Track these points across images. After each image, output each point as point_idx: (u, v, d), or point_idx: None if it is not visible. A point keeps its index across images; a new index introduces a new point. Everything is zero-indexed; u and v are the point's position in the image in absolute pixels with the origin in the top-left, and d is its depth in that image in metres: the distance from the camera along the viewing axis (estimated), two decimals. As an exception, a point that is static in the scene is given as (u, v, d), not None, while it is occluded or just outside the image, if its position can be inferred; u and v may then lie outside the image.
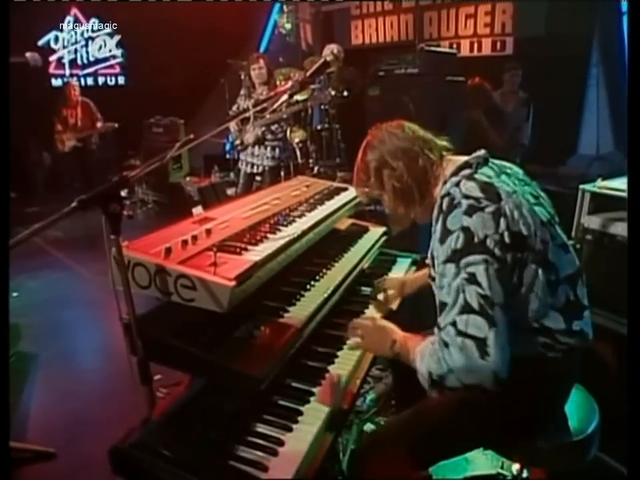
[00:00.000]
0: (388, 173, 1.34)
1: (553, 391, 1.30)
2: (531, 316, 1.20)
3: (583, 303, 1.27)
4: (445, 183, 1.28)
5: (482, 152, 1.33)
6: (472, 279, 1.10)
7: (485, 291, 1.08)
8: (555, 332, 1.21)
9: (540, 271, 1.17)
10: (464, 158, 1.32)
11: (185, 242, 1.37)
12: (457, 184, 1.21)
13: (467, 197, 1.17)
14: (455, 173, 1.27)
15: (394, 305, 1.76)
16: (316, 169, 5.35)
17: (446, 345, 1.11)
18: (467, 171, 1.25)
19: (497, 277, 1.10)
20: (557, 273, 1.21)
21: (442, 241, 1.17)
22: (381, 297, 1.76)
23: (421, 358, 1.18)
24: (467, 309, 1.09)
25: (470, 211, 1.14)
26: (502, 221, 1.13)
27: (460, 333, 1.09)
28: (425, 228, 1.39)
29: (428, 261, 1.35)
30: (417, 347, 1.22)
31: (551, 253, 1.20)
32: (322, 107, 5.51)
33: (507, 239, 1.12)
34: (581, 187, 2.39)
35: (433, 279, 1.27)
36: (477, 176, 1.23)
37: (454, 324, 1.10)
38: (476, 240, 1.11)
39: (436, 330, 1.17)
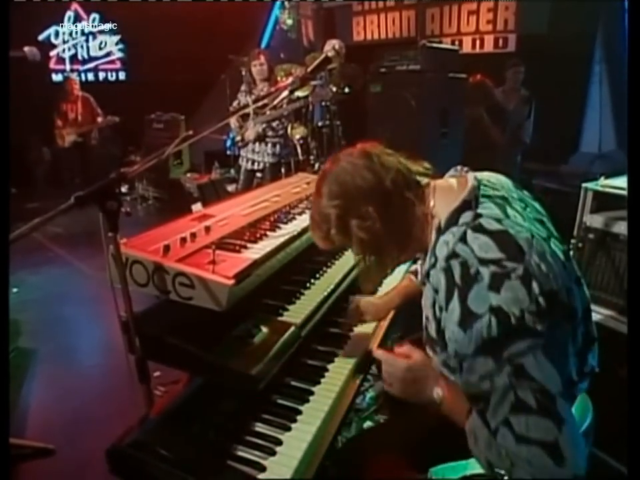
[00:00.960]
0: (355, 222, 1.05)
1: None
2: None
3: (594, 334, 1.09)
4: (439, 230, 1.01)
5: (470, 176, 1.07)
6: (521, 373, 0.86)
7: (541, 384, 0.86)
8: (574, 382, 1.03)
9: (567, 324, 0.97)
10: (450, 185, 1.08)
11: (183, 239, 1.36)
12: (463, 239, 0.95)
13: (484, 261, 0.90)
14: (453, 221, 0.99)
15: (377, 337, 1.56)
16: (317, 165, 5.33)
17: (504, 447, 0.90)
18: (468, 215, 0.98)
19: (548, 359, 0.87)
20: (577, 316, 1.00)
21: (464, 325, 0.90)
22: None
23: (474, 442, 0.97)
24: (523, 409, 0.86)
25: (496, 284, 0.88)
26: (534, 284, 0.88)
27: (521, 439, 0.87)
28: None
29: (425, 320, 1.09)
30: (466, 424, 0.99)
31: (571, 297, 0.98)
32: (323, 103, 5.48)
33: (542, 304, 0.88)
34: (584, 185, 2.37)
35: (433, 349, 1.05)
36: (484, 222, 0.96)
37: (509, 425, 0.88)
38: (514, 322, 0.86)
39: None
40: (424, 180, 1.11)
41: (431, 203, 1.06)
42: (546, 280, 0.90)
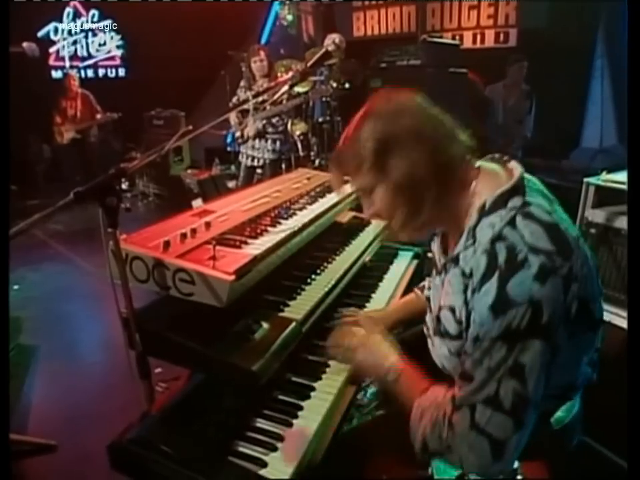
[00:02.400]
0: (397, 159, 0.95)
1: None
2: (563, 384, 1.01)
3: (598, 345, 1.07)
4: (482, 211, 0.94)
5: (514, 164, 1.02)
6: (517, 371, 0.85)
7: (526, 390, 0.86)
8: (575, 388, 1.07)
9: (590, 334, 0.97)
10: (494, 169, 1.02)
11: (183, 235, 1.35)
12: (512, 223, 0.89)
13: (535, 250, 0.85)
14: (500, 204, 0.93)
15: None
16: (317, 161, 5.33)
17: (452, 428, 0.91)
18: (517, 201, 0.92)
19: (547, 369, 0.87)
20: (599, 327, 1.00)
21: (496, 309, 0.86)
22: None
23: (419, 418, 0.98)
24: (494, 404, 0.87)
25: (543, 276, 0.83)
26: (573, 287, 0.86)
27: (476, 427, 0.88)
28: None
29: (427, 292, 1.10)
30: (417, 399, 1.01)
31: (598, 308, 0.97)
32: (323, 99, 5.47)
33: (573, 311, 0.87)
34: (585, 180, 2.37)
35: (441, 338, 1.04)
36: (534, 210, 0.91)
37: (473, 410, 0.89)
38: (543, 320, 0.84)
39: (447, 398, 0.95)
40: (469, 153, 1.01)
41: (473, 183, 0.99)
42: (583, 286, 0.88)
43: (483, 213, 0.94)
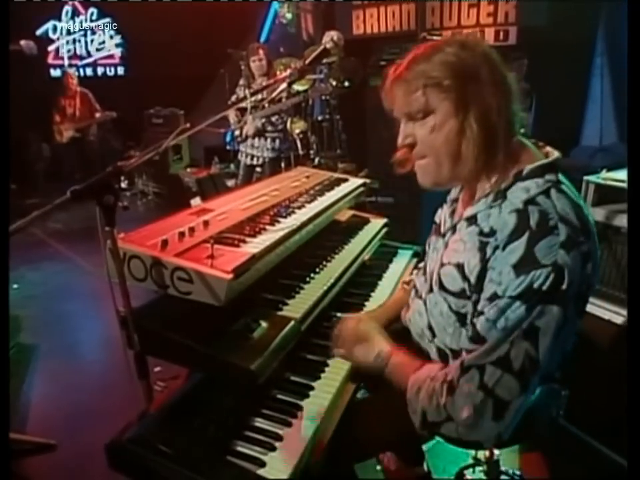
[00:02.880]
0: (476, 92, 0.96)
1: None
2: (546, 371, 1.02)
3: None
4: (518, 175, 0.98)
5: (551, 149, 1.06)
6: (532, 334, 0.88)
7: (537, 354, 0.89)
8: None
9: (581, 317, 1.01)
10: (533, 146, 1.06)
11: (182, 234, 1.34)
12: (547, 193, 0.94)
13: (565, 221, 0.90)
14: (538, 173, 0.97)
15: None
16: (317, 160, 5.32)
17: (453, 393, 0.94)
18: (553, 176, 0.97)
19: (560, 336, 0.90)
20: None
21: (520, 269, 0.88)
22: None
23: (415, 392, 1.01)
24: (505, 366, 0.90)
25: (569, 245, 0.88)
26: (588, 266, 0.91)
27: (483, 388, 0.90)
28: (426, 218, 1.32)
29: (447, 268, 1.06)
30: (412, 376, 1.04)
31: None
32: (323, 97, 5.46)
33: (584, 289, 0.92)
34: (585, 178, 2.36)
35: (459, 294, 1.03)
36: (566, 190, 0.96)
37: (482, 371, 0.91)
38: (564, 286, 0.87)
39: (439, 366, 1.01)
40: (519, 128, 1.04)
41: (519, 153, 1.02)
42: (594, 270, 0.93)
43: (519, 177, 0.98)
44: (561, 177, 0.99)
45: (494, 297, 0.91)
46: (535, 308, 0.88)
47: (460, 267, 1.01)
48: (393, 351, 1.12)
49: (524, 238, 0.89)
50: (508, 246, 0.91)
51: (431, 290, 1.14)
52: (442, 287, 1.07)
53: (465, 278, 1.00)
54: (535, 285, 0.87)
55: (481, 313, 0.94)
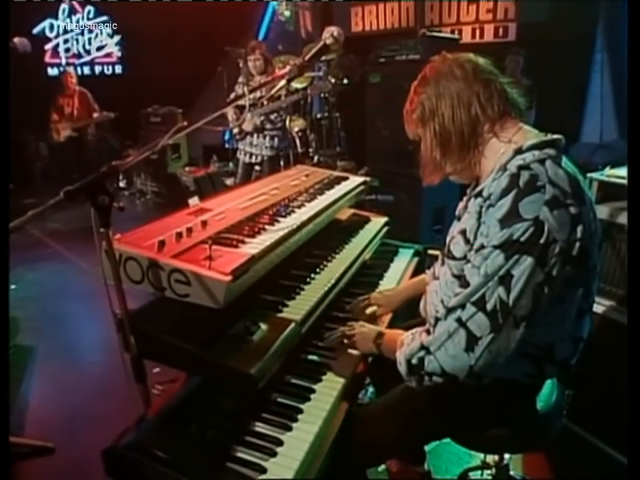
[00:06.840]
0: (433, 116, 1.16)
1: (521, 401, 1.25)
2: (544, 342, 1.11)
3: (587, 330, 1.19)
4: (518, 150, 1.07)
5: (561, 137, 1.13)
6: (506, 280, 0.98)
7: (509, 299, 0.99)
8: (561, 362, 1.15)
9: (581, 298, 1.08)
10: (535, 130, 1.15)
11: (179, 234, 1.32)
12: (542, 162, 1.02)
13: (553, 184, 0.98)
14: (538, 146, 1.06)
15: (384, 323, 1.57)
16: (316, 158, 5.29)
17: (434, 332, 1.08)
18: (552, 151, 1.05)
19: (534, 290, 0.98)
20: (590, 303, 1.13)
21: (504, 222, 0.98)
22: (369, 310, 1.59)
23: (401, 344, 1.17)
24: (479, 304, 1.01)
25: (553, 204, 0.96)
26: (579, 229, 0.99)
27: (459, 321, 1.04)
28: (426, 218, 1.33)
29: (453, 236, 1.18)
30: (399, 338, 1.20)
31: (593, 279, 1.10)
32: (322, 95, 5.43)
33: (574, 252, 0.99)
34: (588, 175, 2.33)
35: (459, 257, 1.13)
36: (564, 164, 1.05)
37: (462, 309, 1.04)
38: (542, 241, 0.96)
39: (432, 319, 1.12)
40: (513, 110, 1.16)
41: (510, 135, 1.12)
42: (588, 235, 1.01)
43: (519, 151, 1.07)
44: (564, 157, 1.06)
45: (480, 248, 1.03)
46: (512, 257, 0.97)
47: (463, 232, 1.12)
48: (386, 332, 1.31)
49: (511, 195, 0.99)
50: (497, 203, 1.01)
51: (441, 264, 1.23)
52: (450, 255, 1.16)
53: (467, 241, 1.10)
54: (514, 236, 0.97)
55: (469, 261, 1.06)
